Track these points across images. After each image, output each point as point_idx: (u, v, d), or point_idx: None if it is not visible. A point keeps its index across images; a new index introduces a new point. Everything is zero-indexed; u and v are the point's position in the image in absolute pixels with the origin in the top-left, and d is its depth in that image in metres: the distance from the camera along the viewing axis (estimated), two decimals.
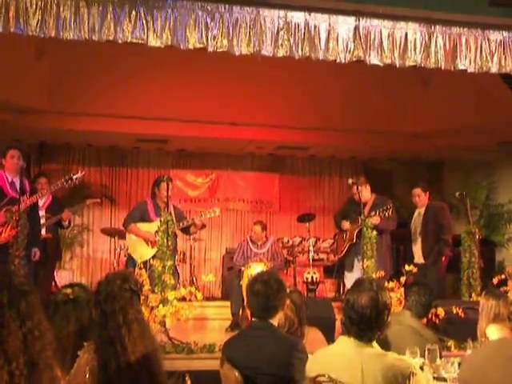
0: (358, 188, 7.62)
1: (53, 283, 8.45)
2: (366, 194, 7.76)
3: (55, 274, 8.91)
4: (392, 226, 7.76)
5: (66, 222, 7.86)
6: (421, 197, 7.96)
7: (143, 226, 7.57)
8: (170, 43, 5.67)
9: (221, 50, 5.79)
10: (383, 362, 2.83)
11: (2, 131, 10.21)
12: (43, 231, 7.48)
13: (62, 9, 5.40)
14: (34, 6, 5.33)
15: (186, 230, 7.88)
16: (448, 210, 8.18)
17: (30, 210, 6.63)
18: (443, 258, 7.77)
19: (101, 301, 3.01)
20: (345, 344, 3.01)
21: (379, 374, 2.78)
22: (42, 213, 7.37)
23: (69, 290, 3.51)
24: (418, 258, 7.84)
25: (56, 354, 1.97)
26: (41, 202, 7.36)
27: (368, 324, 2.92)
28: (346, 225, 7.86)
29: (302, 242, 10.97)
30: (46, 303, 3.27)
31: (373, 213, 7.49)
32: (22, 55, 8.62)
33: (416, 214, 8.08)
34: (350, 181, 7.95)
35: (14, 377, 1.79)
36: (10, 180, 6.63)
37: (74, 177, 6.95)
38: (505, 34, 6.34)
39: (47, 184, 7.93)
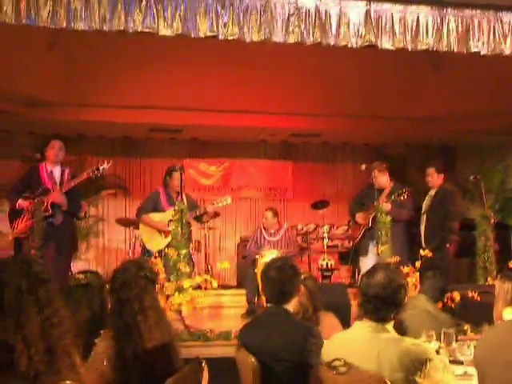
0: (373, 172, 7.58)
1: (69, 274, 8.51)
2: (383, 179, 7.69)
3: (71, 264, 8.97)
4: (405, 216, 7.62)
5: (83, 214, 7.91)
6: (433, 177, 7.82)
7: (156, 216, 7.60)
8: (180, 32, 5.65)
9: (231, 37, 5.76)
10: (399, 347, 2.83)
11: (15, 124, 10.29)
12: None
13: None
14: None
15: (198, 219, 7.91)
16: (458, 196, 7.98)
17: (68, 194, 6.76)
18: (448, 245, 7.56)
19: (116, 288, 3.04)
20: (361, 329, 3.02)
21: (395, 359, 2.78)
22: None
23: (81, 276, 3.55)
24: (423, 241, 7.78)
25: (75, 341, 1.99)
26: None
27: (384, 301, 2.92)
28: (359, 217, 7.80)
29: (316, 228, 10.97)
30: (62, 292, 3.31)
31: (386, 199, 7.45)
32: (34, 47, 8.63)
33: (428, 195, 7.98)
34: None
35: (34, 362, 1.81)
36: (48, 170, 6.71)
37: (101, 167, 6.99)
38: None
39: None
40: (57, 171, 6.84)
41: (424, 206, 7.94)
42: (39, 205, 6.43)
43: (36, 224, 6.30)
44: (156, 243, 7.42)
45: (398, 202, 7.39)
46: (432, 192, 7.86)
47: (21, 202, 6.56)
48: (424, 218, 7.85)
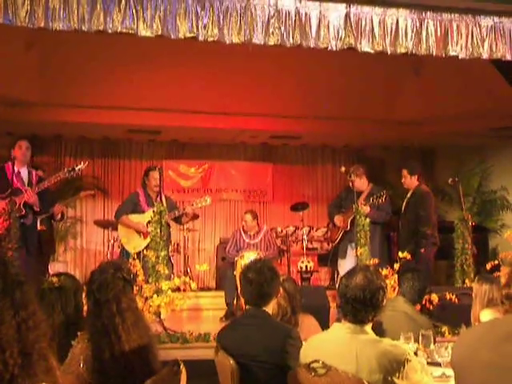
0: (350, 176, 7.61)
1: (47, 275, 8.43)
2: (361, 182, 7.73)
3: (49, 266, 8.90)
4: (384, 218, 7.67)
5: (59, 216, 7.84)
6: (407, 178, 7.79)
7: (135, 217, 7.56)
8: (160, 33, 5.63)
9: (211, 39, 5.75)
10: (378, 348, 2.84)
11: None
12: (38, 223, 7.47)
13: None
14: None
15: (177, 220, 7.89)
16: (431, 199, 7.85)
17: (39, 195, 6.68)
18: (422, 250, 7.46)
19: (94, 290, 3.01)
20: (339, 330, 3.02)
21: (374, 361, 2.78)
22: None
23: (55, 279, 3.52)
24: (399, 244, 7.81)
25: (52, 344, 1.97)
26: None
27: (362, 303, 2.93)
28: (338, 220, 7.81)
29: (295, 231, 10.98)
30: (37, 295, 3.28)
31: (364, 202, 7.48)
32: (11, 47, 8.56)
33: (406, 197, 7.97)
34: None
35: (8, 365, 1.79)
36: (16, 171, 6.63)
37: (77, 168, 6.92)
38: (496, 19, 6.30)
39: (43, 175, 7.94)
40: (24, 172, 6.76)
41: (402, 209, 7.98)
42: (14, 205, 6.36)
43: (12, 225, 6.23)
44: (135, 244, 7.39)
45: (376, 204, 7.42)
46: (408, 194, 7.89)
47: None
48: (400, 221, 7.89)
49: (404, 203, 7.89)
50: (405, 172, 7.80)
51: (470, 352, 2.42)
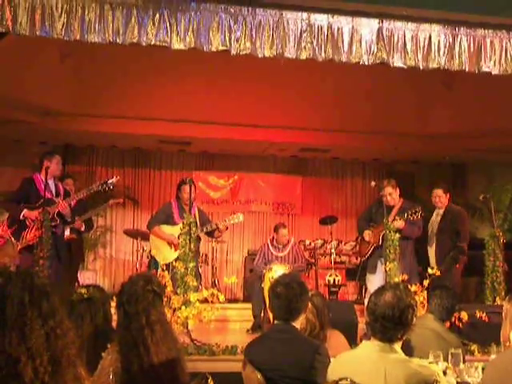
0: (381, 191, 7.55)
1: (76, 284, 8.53)
2: (395, 195, 7.66)
3: (79, 274, 8.99)
4: (417, 233, 7.59)
5: (82, 229, 7.94)
6: (441, 198, 7.81)
7: (167, 229, 7.61)
8: (193, 46, 5.70)
9: (244, 52, 5.80)
10: (407, 368, 2.81)
11: (27, 133, 10.35)
12: (67, 232, 7.56)
13: (86, 11, 5.45)
14: (60, 9, 5.39)
15: (210, 234, 7.94)
16: (467, 217, 8.01)
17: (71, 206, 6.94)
18: (457, 266, 7.57)
19: (124, 302, 3.03)
20: (368, 348, 3.00)
21: (402, 381, 2.76)
22: None
23: (84, 290, 3.56)
24: (432, 261, 7.76)
25: (80, 353, 2.00)
26: None
27: (392, 321, 2.90)
28: (367, 235, 7.74)
29: (323, 244, 10.94)
30: (66, 304, 3.32)
31: (398, 217, 7.39)
32: (47, 58, 8.71)
33: (434, 214, 7.94)
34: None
35: (39, 373, 1.82)
36: (44, 182, 6.74)
37: (110, 181, 7.04)
38: None
39: (73, 185, 8.10)
40: (51, 183, 6.89)
41: (431, 226, 7.92)
42: (47, 215, 6.46)
43: (45, 234, 6.33)
44: (165, 256, 7.42)
45: (410, 219, 7.35)
46: (439, 212, 7.85)
47: (27, 213, 6.59)
48: (434, 238, 7.83)
49: (434, 222, 7.85)
50: (440, 192, 7.82)
51: (502, 375, 2.39)
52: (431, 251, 7.82)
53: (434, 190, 7.90)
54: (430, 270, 6.59)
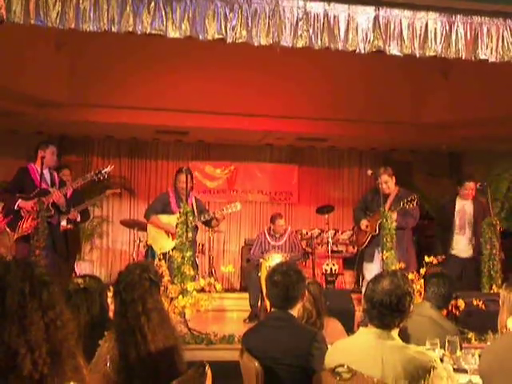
0: (377, 179, 7.52)
1: (73, 274, 8.52)
2: (392, 183, 7.63)
3: (75, 265, 8.98)
4: (411, 224, 7.57)
5: (78, 219, 7.92)
6: (474, 191, 7.97)
7: (164, 218, 7.60)
8: (188, 34, 5.66)
9: (240, 40, 5.76)
10: (404, 354, 2.82)
11: (23, 124, 10.32)
12: (64, 222, 7.55)
13: (81, 0, 5.41)
14: None
15: (207, 223, 7.93)
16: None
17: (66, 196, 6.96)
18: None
19: (121, 290, 3.04)
20: (365, 335, 3.00)
21: (400, 367, 2.76)
22: None
23: (80, 280, 3.56)
24: (459, 251, 7.82)
25: (78, 344, 1.99)
26: None
27: (389, 308, 2.91)
28: (364, 224, 7.70)
29: (320, 233, 10.95)
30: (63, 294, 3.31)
31: (393, 207, 7.36)
32: (42, 48, 8.67)
33: (459, 205, 8.03)
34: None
35: (38, 365, 1.81)
36: (39, 172, 6.72)
37: (104, 171, 7.02)
38: None
39: (70, 175, 8.08)
40: (47, 173, 6.86)
41: (459, 216, 8.03)
42: (42, 205, 6.45)
43: (41, 224, 6.31)
44: (162, 245, 7.40)
45: (404, 209, 7.33)
46: (466, 203, 8.02)
47: (22, 203, 6.57)
48: (466, 229, 7.98)
49: (462, 212, 8.03)
50: (472, 185, 7.97)
51: (498, 360, 2.40)
52: (460, 242, 7.95)
53: (469, 183, 7.98)
54: (426, 258, 6.60)
